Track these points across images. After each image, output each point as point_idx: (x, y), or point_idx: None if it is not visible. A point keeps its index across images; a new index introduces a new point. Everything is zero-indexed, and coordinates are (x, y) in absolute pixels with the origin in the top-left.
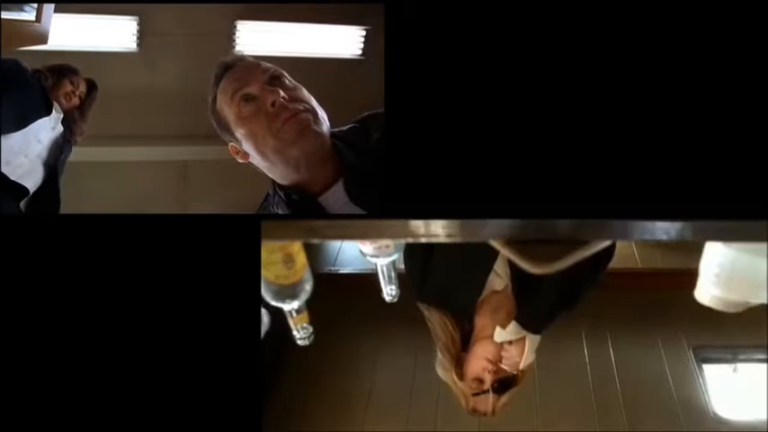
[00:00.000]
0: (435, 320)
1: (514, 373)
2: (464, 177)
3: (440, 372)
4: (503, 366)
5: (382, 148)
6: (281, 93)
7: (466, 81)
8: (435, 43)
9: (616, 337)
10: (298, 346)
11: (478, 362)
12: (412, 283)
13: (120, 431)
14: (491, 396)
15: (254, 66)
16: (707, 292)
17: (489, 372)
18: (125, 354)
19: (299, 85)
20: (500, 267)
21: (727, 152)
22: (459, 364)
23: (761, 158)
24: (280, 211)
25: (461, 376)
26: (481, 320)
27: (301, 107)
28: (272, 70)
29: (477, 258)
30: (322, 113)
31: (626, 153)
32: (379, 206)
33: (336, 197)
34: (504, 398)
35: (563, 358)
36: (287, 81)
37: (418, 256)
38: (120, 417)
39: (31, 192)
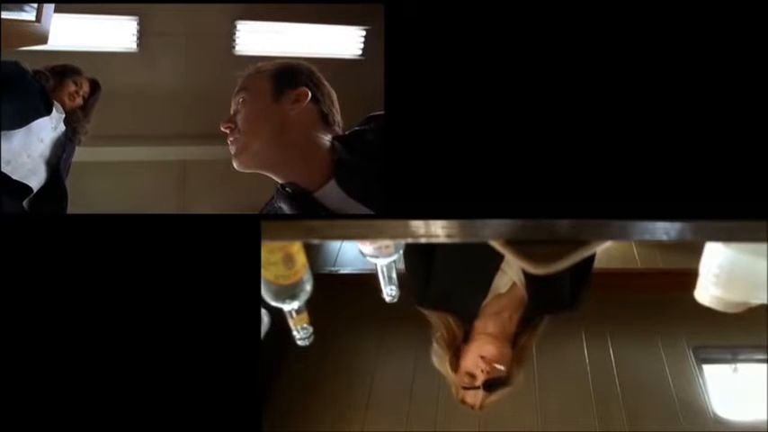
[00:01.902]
0: (437, 317)
1: (506, 374)
2: (464, 177)
3: (435, 361)
4: (497, 366)
5: (376, 147)
6: (226, 123)
7: (466, 81)
8: (435, 43)
9: (616, 337)
10: (298, 346)
11: (473, 359)
12: (413, 288)
13: (120, 431)
14: (481, 392)
15: (236, 90)
16: (707, 292)
17: (483, 371)
18: (125, 354)
19: (246, 109)
20: (507, 265)
21: (727, 152)
22: (456, 354)
23: (761, 158)
24: (283, 206)
25: (455, 368)
26: (481, 321)
27: (232, 137)
28: (240, 94)
29: (482, 262)
30: (264, 128)
31: (625, 153)
32: (375, 198)
33: (332, 192)
34: (494, 396)
35: (563, 358)
36: (236, 106)
37: (419, 262)
38: (121, 416)
39: (35, 190)
